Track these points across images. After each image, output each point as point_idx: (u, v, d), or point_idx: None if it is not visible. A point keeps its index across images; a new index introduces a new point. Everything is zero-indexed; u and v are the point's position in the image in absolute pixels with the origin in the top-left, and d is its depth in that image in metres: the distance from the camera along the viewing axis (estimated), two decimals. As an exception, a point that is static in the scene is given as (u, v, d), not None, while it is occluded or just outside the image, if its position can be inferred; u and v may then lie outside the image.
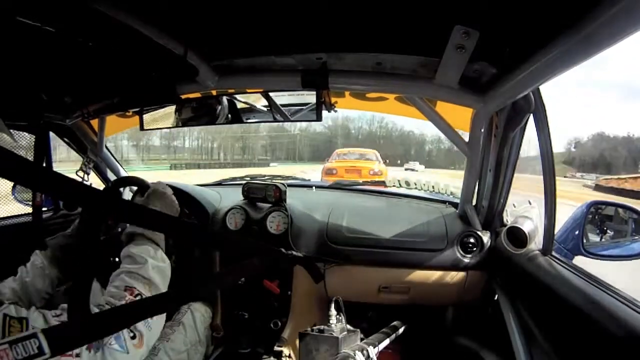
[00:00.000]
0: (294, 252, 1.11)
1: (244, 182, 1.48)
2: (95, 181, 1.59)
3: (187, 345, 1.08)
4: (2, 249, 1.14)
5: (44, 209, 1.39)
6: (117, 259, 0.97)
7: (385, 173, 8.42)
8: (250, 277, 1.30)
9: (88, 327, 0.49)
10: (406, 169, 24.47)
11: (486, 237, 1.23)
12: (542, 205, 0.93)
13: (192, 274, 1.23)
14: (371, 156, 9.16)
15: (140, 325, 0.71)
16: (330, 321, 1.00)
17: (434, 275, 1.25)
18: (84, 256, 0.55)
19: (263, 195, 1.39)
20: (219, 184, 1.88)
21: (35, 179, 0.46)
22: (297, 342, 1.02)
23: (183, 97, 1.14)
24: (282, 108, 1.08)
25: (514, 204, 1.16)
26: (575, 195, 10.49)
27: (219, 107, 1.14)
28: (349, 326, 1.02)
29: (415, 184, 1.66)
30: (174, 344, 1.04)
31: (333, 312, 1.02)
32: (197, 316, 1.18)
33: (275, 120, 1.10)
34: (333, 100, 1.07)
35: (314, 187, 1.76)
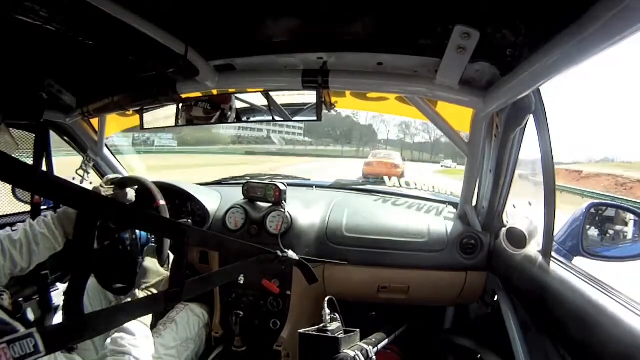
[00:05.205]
0: (289, 254, 1.11)
1: (244, 181, 1.48)
2: (95, 180, 1.59)
3: (176, 342, 1.09)
4: None
5: (43, 207, 1.39)
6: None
7: (403, 167, 12.51)
8: (249, 278, 1.30)
9: (81, 327, 0.50)
10: (442, 166, 25.41)
11: (486, 239, 1.23)
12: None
13: (186, 276, 1.26)
14: (393, 155, 14.54)
15: None
16: (324, 320, 0.99)
17: (434, 275, 1.25)
18: (79, 258, 0.55)
19: (263, 195, 1.39)
20: (219, 183, 1.88)
21: (31, 182, 0.46)
22: (297, 342, 1.02)
23: (183, 96, 1.15)
24: (282, 108, 1.09)
25: (514, 205, 1.16)
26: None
27: (223, 107, 1.14)
28: (342, 326, 1.02)
29: (416, 184, 1.66)
30: (163, 340, 1.06)
31: (327, 311, 1.01)
32: (191, 315, 1.19)
33: (275, 120, 1.10)
34: (333, 100, 1.07)
35: (314, 187, 1.76)
